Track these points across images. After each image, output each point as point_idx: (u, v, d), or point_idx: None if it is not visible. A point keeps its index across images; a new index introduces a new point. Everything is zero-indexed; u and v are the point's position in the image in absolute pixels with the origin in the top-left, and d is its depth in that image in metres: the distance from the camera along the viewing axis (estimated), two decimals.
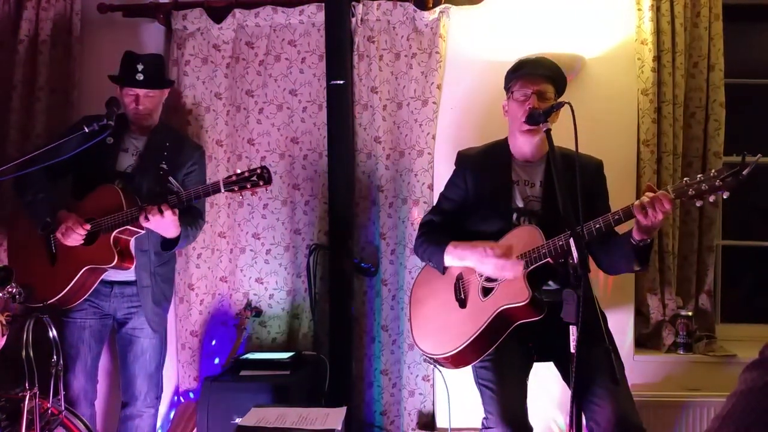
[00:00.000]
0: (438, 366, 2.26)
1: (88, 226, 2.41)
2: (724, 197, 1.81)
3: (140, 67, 2.55)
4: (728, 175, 1.79)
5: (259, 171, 2.31)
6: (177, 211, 2.36)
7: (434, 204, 2.50)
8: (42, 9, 3.01)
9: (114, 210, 2.40)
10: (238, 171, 2.35)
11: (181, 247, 2.61)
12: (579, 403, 1.70)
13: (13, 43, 3.03)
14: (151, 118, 2.64)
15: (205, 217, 2.76)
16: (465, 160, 2.36)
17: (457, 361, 2.15)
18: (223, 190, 2.33)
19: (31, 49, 3.02)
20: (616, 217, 1.94)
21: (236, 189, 2.30)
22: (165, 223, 2.37)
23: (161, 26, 3.06)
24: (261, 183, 2.29)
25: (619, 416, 1.91)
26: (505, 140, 2.32)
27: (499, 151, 2.31)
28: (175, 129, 2.80)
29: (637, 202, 1.90)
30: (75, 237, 2.41)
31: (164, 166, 2.54)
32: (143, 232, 2.45)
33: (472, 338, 2.08)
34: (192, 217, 2.60)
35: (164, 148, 2.60)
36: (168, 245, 2.53)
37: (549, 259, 2.02)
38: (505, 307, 2.06)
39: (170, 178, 2.38)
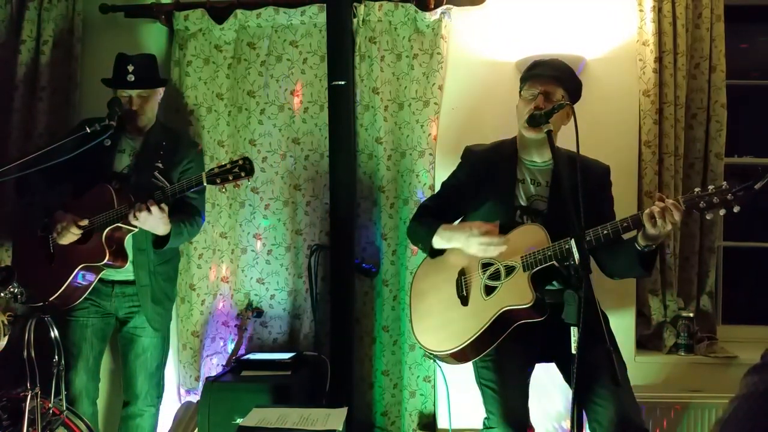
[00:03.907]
0: (438, 361, 2.26)
1: (83, 223, 2.43)
2: (735, 211, 1.80)
3: (131, 68, 2.55)
4: (740, 190, 1.79)
5: (241, 162, 2.28)
6: (165, 207, 2.36)
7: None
8: (44, 9, 3.02)
9: (107, 209, 2.41)
10: (221, 163, 2.33)
11: (175, 244, 2.59)
12: (580, 404, 1.70)
13: (15, 44, 3.04)
14: (147, 118, 2.63)
15: (204, 215, 2.75)
16: (471, 155, 2.38)
17: (457, 357, 2.15)
18: (205, 183, 2.31)
19: (33, 49, 3.03)
20: (625, 224, 1.94)
21: (219, 182, 2.29)
22: (153, 220, 2.36)
23: (163, 27, 3.07)
24: (243, 174, 2.27)
25: (621, 417, 1.91)
26: (514, 139, 2.33)
27: (506, 149, 2.32)
28: (171, 128, 2.79)
29: (647, 211, 1.89)
30: (70, 236, 2.43)
31: (160, 165, 2.53)
32: (136, 230, 2.46)
33: (474, 337, 2.08)
34: (187, 214, 2.60)
35: (160, 147, 2.59)
36: (160, 243, 2.52)
37: (554, 261, 2.02)
38: (508, 308, 2.06)
39: (156, 174, 2.38)
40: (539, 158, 2.24)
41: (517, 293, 2.06)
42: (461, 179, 2.36)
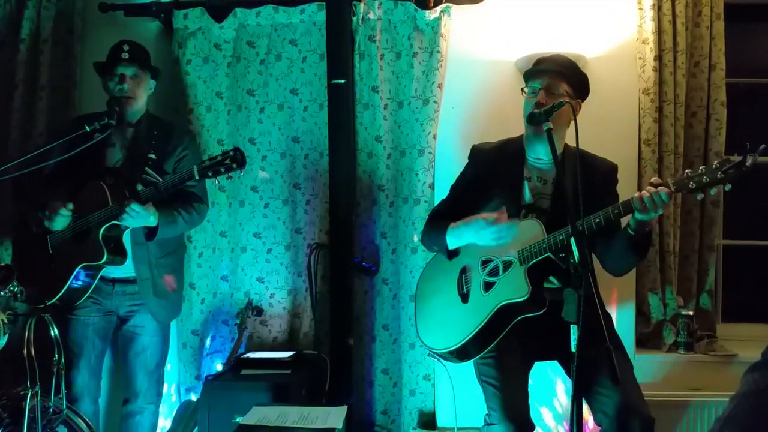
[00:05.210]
0: (442, 360, 2.26)
1: (71, 205, 2.42)
2: (726, 190, 1.80)
3: (126, 47, 2.56)
4: (730, 167, 1.78)
5: (232, 153, 2.28)
6: (149, 203, 2.36)
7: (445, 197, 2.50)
8: (43, 8, 3.03)
9: (102, 206, 2.40)
10: (212, 156, 2.32)
11: (169, 233, 2.56)
12: (580, 402, 1.70)
13: (14, 43, 3.04)
14: (137, 104, 2.61)
15: (207, 203, 2.73)
16: (478, 154, 2.38)
17: (460, 355, 2.16)
18: (197, 176, 2.30)
19: (32, 48, 3.04)
20: (616, 210, 1.95)
21: (210, 174, 2.28)
22: (141, 217, 2.37)
23: (162, 25, 3.07)
24: (235, 166, 2.27)
25: (625, 403, 1.91)
26: (521, 137, 2.33)
27: (512, 147, 2.32)
28: (161, 118, 2.76)
29: (637, 195, 1.91)
30: (60, 218, 2.43)
31: (153, 157, 2.52)
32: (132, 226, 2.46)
33: (473, 333, 2.08)
34: (185, 203, 2.58)
35: (152, 138, 2.58)
36: (151, 233, 2.49)
37: (549, 253, 2.02)
38: (505, 302, 2.06)
39: (147, 169, 2.37)
40: (545, 156, 2.24)
41: (513, 287, 2.07)
42: (470, 178, 2.36)
